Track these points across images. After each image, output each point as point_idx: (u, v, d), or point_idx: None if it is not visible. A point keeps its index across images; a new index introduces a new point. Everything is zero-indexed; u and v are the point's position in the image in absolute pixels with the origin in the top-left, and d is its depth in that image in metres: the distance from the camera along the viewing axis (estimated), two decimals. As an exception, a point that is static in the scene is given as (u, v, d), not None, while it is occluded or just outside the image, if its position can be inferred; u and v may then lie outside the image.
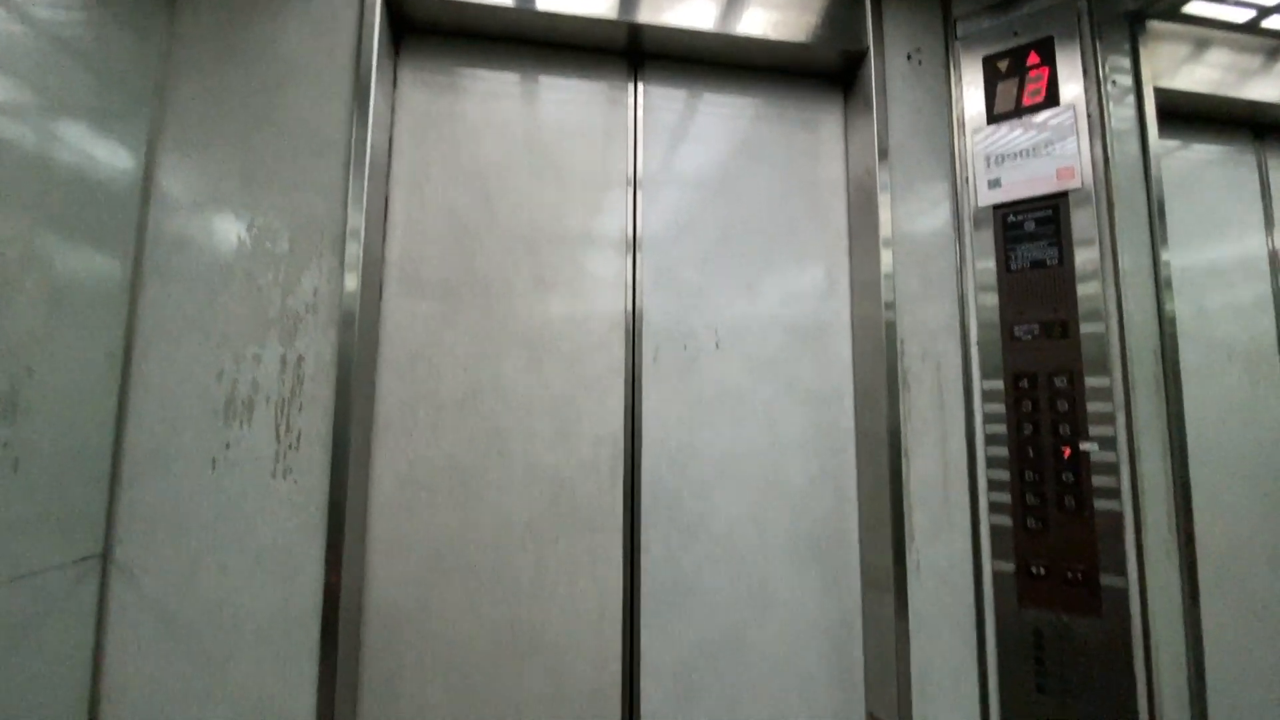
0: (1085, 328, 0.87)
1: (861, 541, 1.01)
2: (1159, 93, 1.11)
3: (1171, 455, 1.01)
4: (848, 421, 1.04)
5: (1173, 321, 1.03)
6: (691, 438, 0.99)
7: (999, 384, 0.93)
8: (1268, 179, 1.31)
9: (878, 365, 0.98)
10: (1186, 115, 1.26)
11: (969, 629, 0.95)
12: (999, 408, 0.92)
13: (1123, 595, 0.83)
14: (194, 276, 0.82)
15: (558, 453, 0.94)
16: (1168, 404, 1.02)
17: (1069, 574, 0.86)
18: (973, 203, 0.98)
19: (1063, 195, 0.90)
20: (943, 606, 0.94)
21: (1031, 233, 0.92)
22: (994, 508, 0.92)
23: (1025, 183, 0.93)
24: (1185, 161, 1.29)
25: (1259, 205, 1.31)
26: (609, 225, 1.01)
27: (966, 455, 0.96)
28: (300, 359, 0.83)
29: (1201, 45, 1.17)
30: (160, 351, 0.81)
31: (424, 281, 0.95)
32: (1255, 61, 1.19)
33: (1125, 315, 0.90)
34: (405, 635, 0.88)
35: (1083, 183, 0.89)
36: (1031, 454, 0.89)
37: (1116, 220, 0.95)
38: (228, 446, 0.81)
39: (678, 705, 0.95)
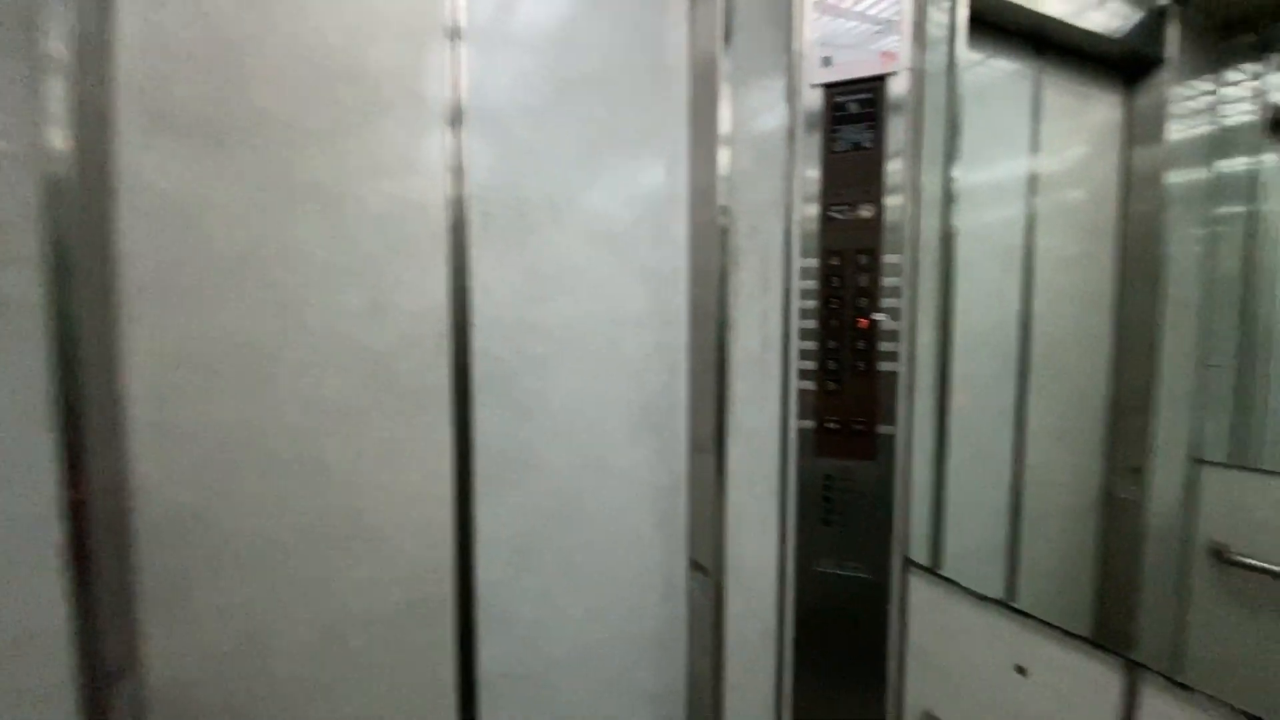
0: (888, 210, 0.95)
1: (690, 410, 1.08)
2: (971, -6, 1.18)
3: (940, 327, 1.19)
4: (682, 299, 1.06)
5: (952, 217, 1.18)
6: (528, 313, 0.95)
7: (815, 262, 1.00)
8: (1040, 99, 1.50)
9: (711, 244, 1.00)
10: (993, 25, 1.37)
11: (774, 480, 1.08)
12: (813, 284, 1.00)
13: (892, 442, 0.99)
14: None
15: (371, 328, 0.84)
16: (944, 284, 1.19)
17: (855, 426, 1.00)
18: (806, 81, 0.99)
19: (882, 79, 0.94)
20: (755, 463, 1.06)
21: (854, 114, 0.96)
22: (802, 374, 1.02)
23: (853, 64, 0.95)
24: (985, 74, 1.42)
25: (1031, 126, 1.51)
26: (427, 62, 0.86)
27: (782, 329, 1.04)
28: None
29: (1009, -49, 1.25)
30: None
31: (175, 115, 0.74)
32: (1046, -22, 1.31)
33: (921, 203, 1.00)
34: (193, 534, 0.77)
35: (900, 68, 0.93)
36: (835, 325, 0.99)
37: (925, 116, 1.03)
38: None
39: (516, 572, 0.98)
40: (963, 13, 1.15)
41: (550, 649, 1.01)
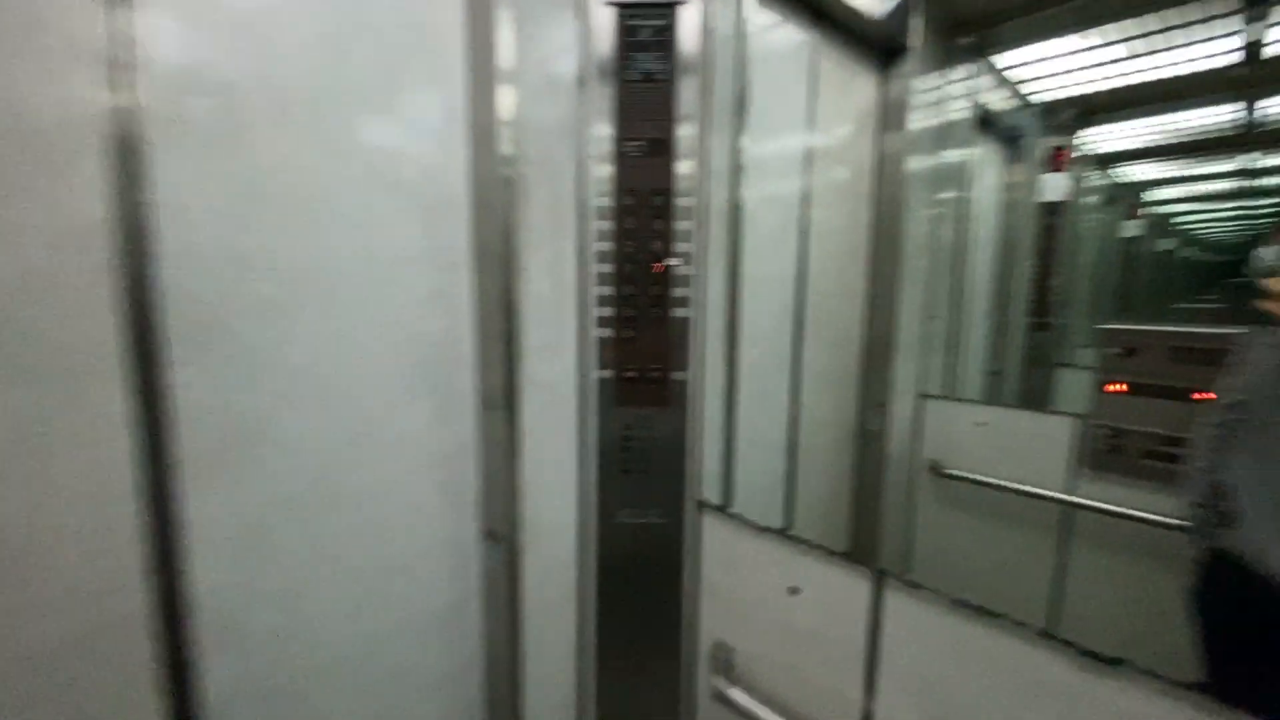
0: (681, 150, 0.92)
1: (477, 364, 0.95)
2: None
3: (729, 276, 1.23)
4: (463, 237, 0.92)
5: (741, 164, 1.21)
6: (244, 242, 0.73)
7: (609, 202, 0.93)
8: (817, 72, 1.61)
9: (494, 171, 0.87)
10: (777, -15, 1.42)
11: (573, 435, 1.02)
12: (608, 225, 0.94)
13: (684, 388, 0.99)
14: None
15: (-40, 254, 0.56)
16: (731, 230, 1.22)
17: (651, 374, 0.97)
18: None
19: (674, 7, 0.89)
20: (552, 418, 0.99)
21: (647, 41, 0.89)
22: (599, 322, 0.96)
23: (645, -17, 0.88)
24: (772, 40, 1.47)
25: (809, 97, 1.62)
26: None
27: (578, 273, 0.97)
28: None
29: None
30: None
31: None
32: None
33: (712, 146, 0.99)
34: None
35: (690, 1, 0.89)
36: (630, 269, 0.94)
37: (715, 53, 1.01)
38: None
39: (247, 573, 0.78)
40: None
41: (305, 656, 0.83)
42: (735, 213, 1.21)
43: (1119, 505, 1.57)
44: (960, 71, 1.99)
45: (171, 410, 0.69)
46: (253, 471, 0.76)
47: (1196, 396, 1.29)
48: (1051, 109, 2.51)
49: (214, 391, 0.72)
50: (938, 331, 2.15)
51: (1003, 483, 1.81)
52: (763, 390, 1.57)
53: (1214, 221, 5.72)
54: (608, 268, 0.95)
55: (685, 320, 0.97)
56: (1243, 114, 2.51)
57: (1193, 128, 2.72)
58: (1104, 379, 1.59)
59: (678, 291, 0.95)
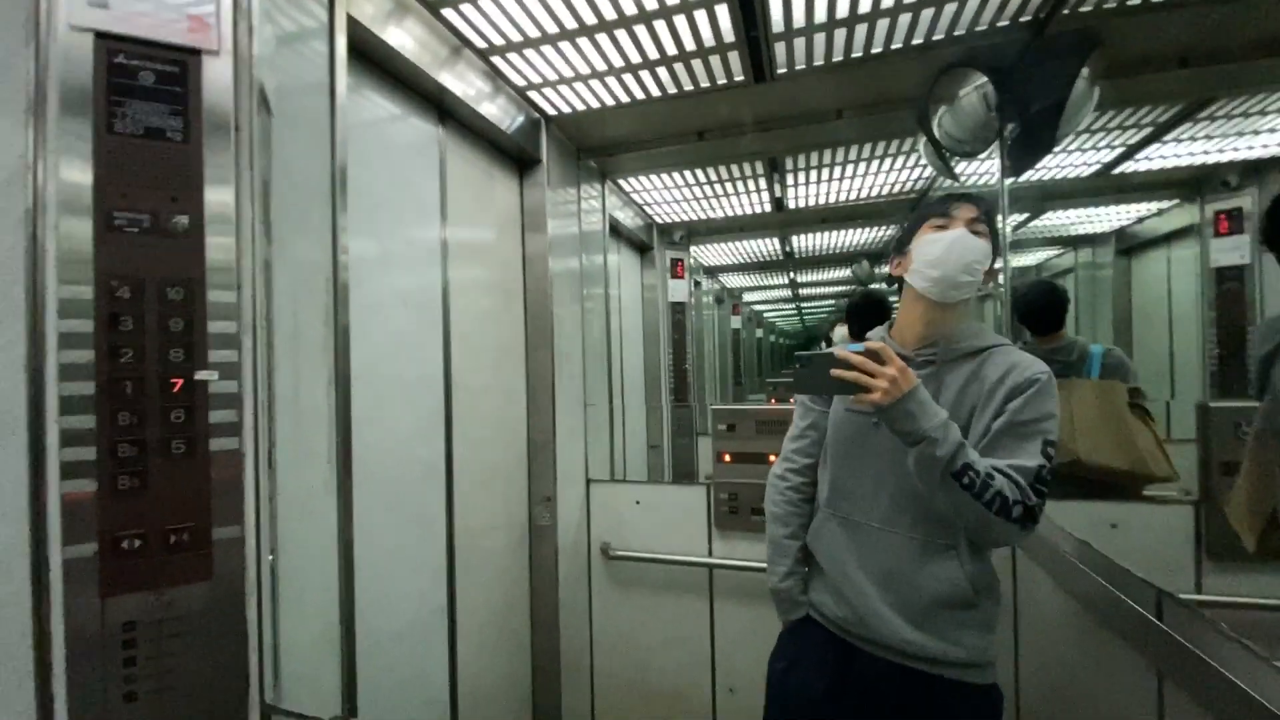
0: (214, 230, 0.70)
1: None
2: (354, 24, 1.10)
3: (336, 385, 1.02)
4: None
5: (345, 251, 1.04)
6: None
7: (88, 291, 0.64)
8: (446, 167, 1.59)
9: None
10: (392, 76, 1.35)
11: (24, 659, 0.63)
12: (85, 325, 0.64)
13: (238, 546, 0.71)
14: None
15: None
16: (335, 335, 1.02)
17: (176, 537, 0.67)
18: (65, 20, 0.64)
19: (195, 54, 0.70)
20: (-41, 647, 0.58)
21: (150, 88, 0.67)
22: (69, 470, 0.63)
23: (146, 18, 0.67)
24: (394, 131, 1.39)
25: (440, 190, 1.57)
26: None
27: (33, 398, 0.63)
28: None
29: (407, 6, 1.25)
30: None
31: None
32: (444, 51, 1.39)
33: (271, 227, 0.80)
34: None
35: (221, 50, 0.71)
36: (130, 389, 0.65)
37: (275, 117, 0.85)
38: None
39: None
40: (341, 40, 1.05)
41: None
42: (341, 309, 1.02)
43: (744, 559, 1.82)
44: (591, 189, 2.26)
45: None
46: None
47: (771, 458, 1.59)
48: (666, 228, 3.10)
49: None
50: (597, 417, 2.28)
51: (659, 555, 1.94)
52: (410, 509, 1.34)
53: (786, 315, 8.01)
54: (87, 387, 0.64)
55: (237, 453, 0.71)
56: (780, 244, 3.54)
57: (760, 251, 3.71)
58: (718, 449, 1.88)
59: (218, 415, 0.70)
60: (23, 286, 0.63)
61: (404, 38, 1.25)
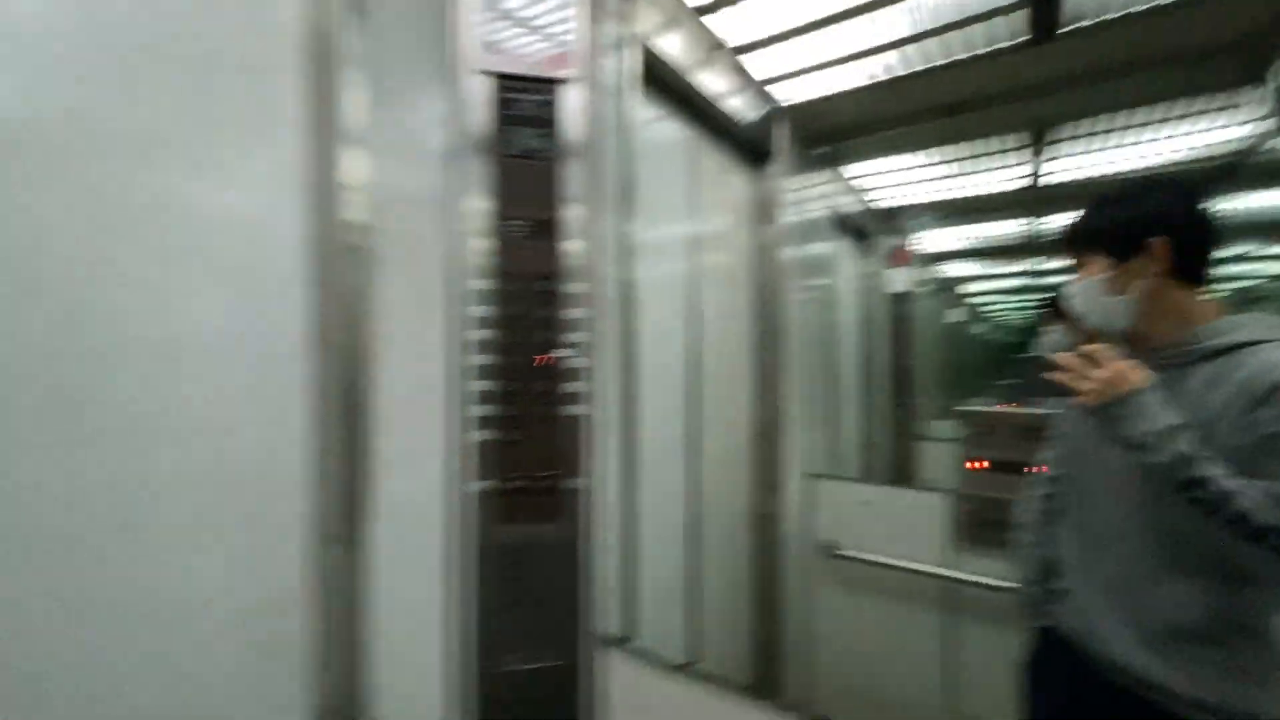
0: (570, 233, 0.84)
1: (310, 483, 0.74)
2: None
3: (625, 364, 1.15)
4: (296, 322, 0.74)
5: (631, 249, 1.16)
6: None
7: (488, 284, 0.81)
8: (693, 161, 1.68)
9: (338, 241, 0.72)
10: (660, 84, 1.47)
11: (439, 565, 0.83)
12: (486, 310, 0.81)
13: (577, 498, 0.85)
14: None
15: None
16: (625, 317, 1.15)
17: (541, 483, 0.83)
18: (469, 67, 0.82)
19: (559, 83, 0.83)
20: (414, 548, 0.79)
21: (530, 116, 0.82)
22: (476, 423, 0.81)
23: (526, 58, 0.82)
24: (660, 132, 1.51)
25: (689, 189, 1.67)
26: None
27: (445, 366, 0.82)
28: None
29: (678, 17, 1.35)
30: None
31: None
32: (701, 53, 1.47)
33: (599, 232, 0.93)
34: None
35: (575, 76, 0.84)
36: (512, 362, 0.81)
37: (600, 134, 0.97)
38: None
39: None
40: (632, 54, 1.17)
41: None
42: (628, 299, 1.15)
43: (990, 577, 1.64)
44: (819, 176, 2.20)
45: None
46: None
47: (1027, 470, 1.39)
48: (891, 213, 2.88)
49: None
50: (819, 411, 2.23)
51: (889, 560, 1.83)
52: (661, 485, 1.46)
53: (1009, 309, 6.92)
54: (487, 359, 0.81)
55: (577, 419, 0.85)
56: (1029, 227, 3.06)
57: (995, 235, 3.27)
58: (967, 456, 1.70)
59: (569, 386, 0.83)
60: (441, 278, 0.82)
61: (672, 45, 1.34)
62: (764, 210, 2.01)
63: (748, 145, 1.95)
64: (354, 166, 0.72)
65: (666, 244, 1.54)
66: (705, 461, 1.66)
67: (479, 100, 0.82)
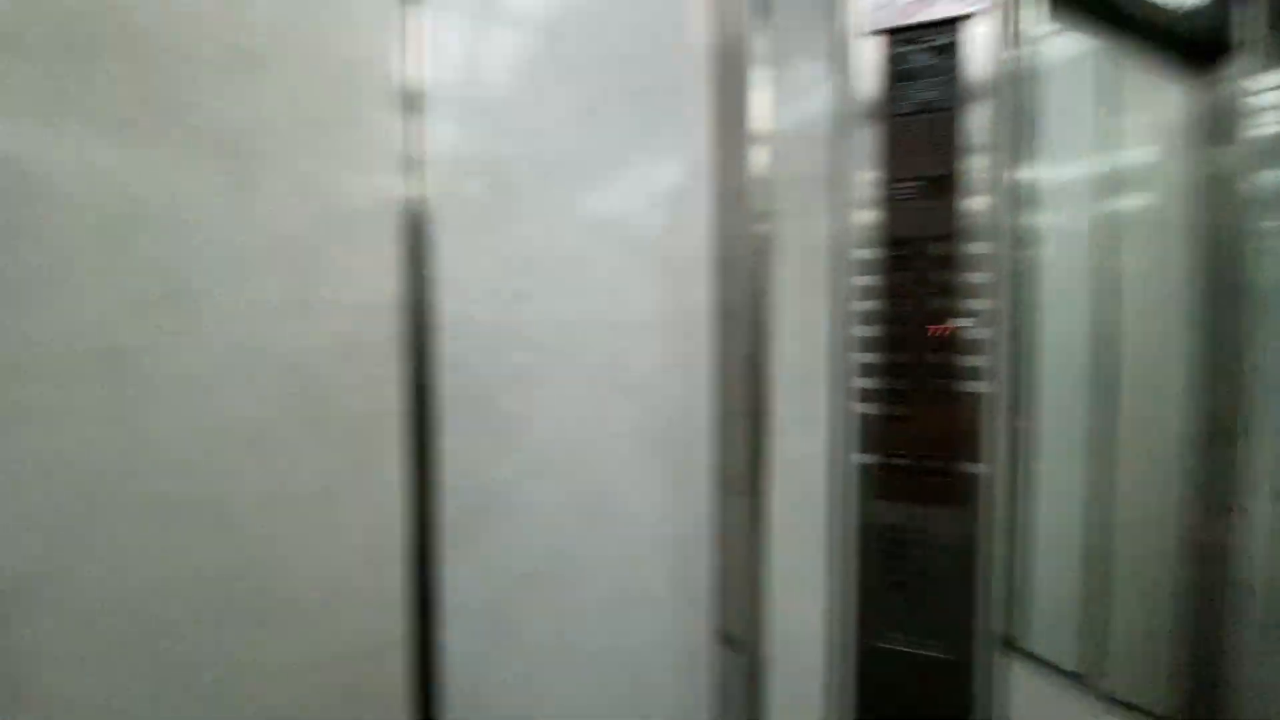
0: (966, 188, 0.75)
1: (715, 438, 0.86)
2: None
3: (1015, 334, 0.98)
4: (702, 296, 0.85)
5: (1033, 201, 0.98)
6: (509, 314, 0.74)
7: (874, 253, 0.79)
8: (1115, 86, 1.31)
9: (742, 225, 0.80)
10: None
11: (823, 529, 0.86)
12: (872, 279, 0.79)
13: (978, 484, 0.77)
14: None
15: (292, 328, 0.63)
16: (1022, 282, 0.97)
17: (930, 463, 0.78)
18: (857, 30, 0.80)
19: (959, 21, 0.75)
20: (803, 507, 0.84)
21: (924, 66, 0.76)
22: (860, 394, 0.80)
23: (922, 4, 0.76)
24: (1059, 51, 1.23)
25: (1100, 116, 1.31)
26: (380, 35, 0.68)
27: (833, 337, 0.83)
28: None
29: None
30: None
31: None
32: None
33: (1005, 185, 0.80)
34: (28, 610, 0.55)
35: (984, 6, 0.74)
36: (902, 333, 0.78)
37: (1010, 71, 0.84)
38: None
39: (492, 645, 0.75)
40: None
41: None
42: (1028, 260, 0.97)
43: None
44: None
45: (437, 476, 0.71)
46: (499, 542, 0.75)
47: None
48: None
49: (474, 460, 0.73)
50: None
51: None
52: (1052, 487, 1.22)
53: None
54: (873, 330, 0.79)
55: (978, 397, 0.76)
56: None
57: None
58: None
59: (967, 360, 0.76)
60: (829, 246, 0.84)
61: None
62: (1216, 127, 1.46)
63: (1188, 43, 1.43)
64: (757, 159, 0.79)
65: (1070, 188, 1.26)
66: (1117, 465, 1.32)
67: (869, 63, 0.80)
